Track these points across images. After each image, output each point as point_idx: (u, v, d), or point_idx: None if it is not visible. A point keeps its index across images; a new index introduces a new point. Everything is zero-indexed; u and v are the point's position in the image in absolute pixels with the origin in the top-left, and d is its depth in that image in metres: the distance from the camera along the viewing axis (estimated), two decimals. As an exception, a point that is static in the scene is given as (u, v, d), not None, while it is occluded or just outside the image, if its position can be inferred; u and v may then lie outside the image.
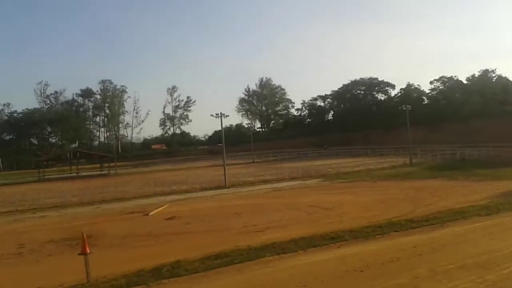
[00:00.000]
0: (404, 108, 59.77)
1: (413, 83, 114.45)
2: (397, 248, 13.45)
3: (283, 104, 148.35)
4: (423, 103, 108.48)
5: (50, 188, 49.45)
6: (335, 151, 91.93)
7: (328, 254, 13.33)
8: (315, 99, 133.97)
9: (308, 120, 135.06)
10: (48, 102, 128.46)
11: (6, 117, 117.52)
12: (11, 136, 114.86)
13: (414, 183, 33.44)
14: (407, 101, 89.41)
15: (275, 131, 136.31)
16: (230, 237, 17.11)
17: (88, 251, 12.20)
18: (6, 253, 17.30)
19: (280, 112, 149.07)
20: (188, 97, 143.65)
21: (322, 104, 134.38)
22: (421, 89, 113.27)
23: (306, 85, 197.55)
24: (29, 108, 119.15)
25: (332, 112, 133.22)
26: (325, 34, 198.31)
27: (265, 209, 24.24)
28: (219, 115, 45.76)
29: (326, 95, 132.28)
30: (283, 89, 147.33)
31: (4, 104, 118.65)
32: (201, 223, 21.48)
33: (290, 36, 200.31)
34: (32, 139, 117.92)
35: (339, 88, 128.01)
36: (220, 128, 47.43)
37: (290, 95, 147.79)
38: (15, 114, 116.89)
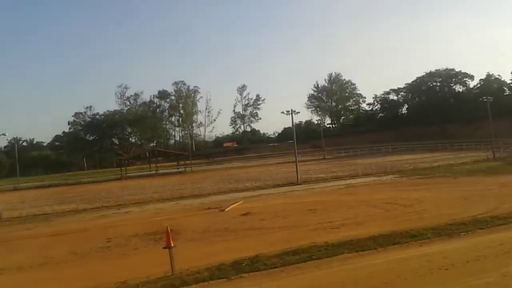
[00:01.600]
0: (485, 100, 56.16)
1: (493, 73, 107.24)
2: (483, 246, 12.82)
3: (354, 99, 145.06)
4: (505, 94, 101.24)
5: (132, 185, 52.32)
6: (411, 146, 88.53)
7: (410, 252, 12.96)
8: (388, 93, 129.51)
9: (380, 114, 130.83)
10: (128, 103, 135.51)
11: (89, 119, 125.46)
12: (94, 137, 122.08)
13: (498, 178, 31.47)
14: (487, 92, 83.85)
15: (346, 127, 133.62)
16: (306, 233, 17.13)
17: (173, 245, 12.75)
18: (95, 247, 18.52)
19: (350, 107, 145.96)
20: (257, 95, 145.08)
21: (395, 97, 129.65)
22: (502, 79, 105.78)
23: (377, 79, 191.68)
24: (110, 110, 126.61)
25: (406, 106, 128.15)
26: (395, 27, 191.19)
27: (339, 206, 23.95)
28: (290, 112, 45.80)
29: (399, 88, 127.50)
30: (353, 84, 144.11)
31: (87, 107, 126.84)
32: (276, 219, 21.67)
33: (356, 30, 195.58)
34: (113, 139, 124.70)
35: (413, 81, 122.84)
36: (290, 125, 47.47)
37: (360, 89, 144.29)
38: (97, 116, 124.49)
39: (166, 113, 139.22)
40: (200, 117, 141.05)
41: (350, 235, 15.71)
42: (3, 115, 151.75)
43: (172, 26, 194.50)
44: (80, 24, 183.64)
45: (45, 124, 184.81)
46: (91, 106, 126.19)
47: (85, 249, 18.19)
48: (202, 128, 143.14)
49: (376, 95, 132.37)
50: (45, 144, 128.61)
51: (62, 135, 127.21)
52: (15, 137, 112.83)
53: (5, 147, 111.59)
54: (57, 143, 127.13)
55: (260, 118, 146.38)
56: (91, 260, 16.49)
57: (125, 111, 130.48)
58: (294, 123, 47.75)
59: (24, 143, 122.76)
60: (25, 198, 42.61)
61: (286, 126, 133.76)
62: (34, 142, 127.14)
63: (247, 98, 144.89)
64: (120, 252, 17.23)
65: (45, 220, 29.68)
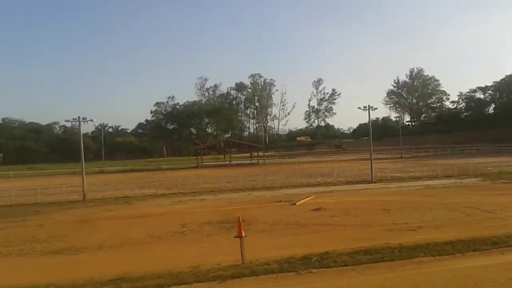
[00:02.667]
0: None
1: None
2: None
3: (437, 96, 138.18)
4: None
5: (207, 174, 53.96)
6: (497, 148, 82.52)
7: (490, 260, 12.14)
8: (474, 91, 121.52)
9: (465, 113, 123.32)
10: (206, 95, 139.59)
11: (170, 109, 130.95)
12: (173, 126, 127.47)
13: None
14: None
15: (427, 125, 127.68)
16: (379, 233, 16.62)
17: (244, 235, 12.97)
18: (171, 231, 19.33)
19: (432, 105, 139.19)
20: (333, 90, 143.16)
21: (481, 96, 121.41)
22: None
23: (462, 76, 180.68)
24: (190, 101, 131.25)
25: (493, 105, 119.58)
26: (484, 22, 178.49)
27: (416, 207, 22.94)
28: (367, 108, 44.50)
29: (486, 86, 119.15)
30: (437, 80, 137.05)
31: (168, 97, 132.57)
32: (347, 216, 21.25)
33: (437, 25, 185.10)
34: (191, 129, 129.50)
35: (502, 79, 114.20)
36: (365, 121, 46.22)
37: (444, 86, 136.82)
38: (178, 106, 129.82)
39: (242, 105, 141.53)
40: (274, 110, 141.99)
41: (426, 238, 15.00)
42: (96, 103, 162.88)
43: (253, 22, 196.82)
44: (166, 18, 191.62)
45: (130, 112, 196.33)
46: (173, 97, 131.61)
47: (161, 232, 19.06)
48: (276, 121, 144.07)
49: (461, 93, 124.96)
50: (129, 131, 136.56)
51: (144, 123, 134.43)
52: (102, 123, 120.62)
53: (92, 132, 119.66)
54: (140, 131, 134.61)
55: (335, 113, 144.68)
56: (166, 243, 17.23)
57: (203, 102, 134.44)
58: (370, 119, 46.41)
59: (110, 129, 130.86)
60: (109, 181, 45.49)
61: (362, 122, 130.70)
62: (119, 128, 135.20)
63: (322, 92, 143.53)
64: (194, 238, 17.83)
65: (126, 202, 31.50)
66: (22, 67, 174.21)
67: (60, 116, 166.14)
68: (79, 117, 37.10)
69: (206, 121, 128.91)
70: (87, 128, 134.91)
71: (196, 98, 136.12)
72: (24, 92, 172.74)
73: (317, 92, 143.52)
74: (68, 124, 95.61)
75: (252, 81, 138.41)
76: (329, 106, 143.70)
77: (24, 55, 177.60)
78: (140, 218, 24.03)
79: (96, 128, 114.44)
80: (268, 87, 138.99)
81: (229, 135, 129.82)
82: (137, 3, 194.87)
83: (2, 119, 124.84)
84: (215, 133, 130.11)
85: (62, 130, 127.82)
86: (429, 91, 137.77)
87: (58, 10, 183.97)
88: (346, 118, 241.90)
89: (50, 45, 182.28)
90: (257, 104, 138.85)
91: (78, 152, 40.24)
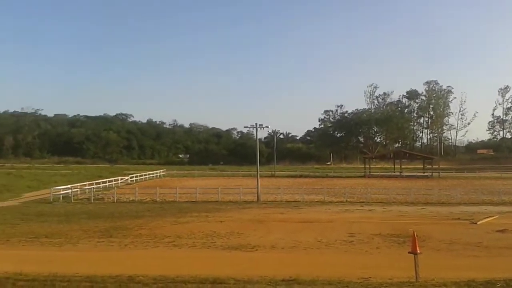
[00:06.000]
0: None
1: None
2: None
3: None
4: None
5: (376, 184, 52.58)
6: None
7: None
8: None
9: None
10: (376, 103, 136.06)
11: (338, 117, 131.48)
12: (341, 134, 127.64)
13: None
14: None
15: None
16: None
17: (419, 251, 12.35)
18: (339, 239, 19.45)
19: None
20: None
21: None
22: None
23: None
24: (359, 109, 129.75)
25: None
26: None
27: None
28: None
29: None
30: None
31: (337, 106, 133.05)
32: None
33: None
34: (359, 137, 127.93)
35: None
36: None
37: None
38: (346, 114, 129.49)
39: (414, 114, 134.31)
40: (451, 120, 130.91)
41: None
42: (267, 113, 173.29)
43: (426, 27, 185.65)
44: (336, 27, 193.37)
45: (299, 120, 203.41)
46: (341, 105, 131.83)
47: (330, 239, 19.34)
48: (453, 132, 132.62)
49: None
50: (297, 138, 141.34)
51: (313, 130, 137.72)
52: (274, 130, 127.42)
53: (265, 138, 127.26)
54: (308, 138, 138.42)
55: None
56: (335, 250, 17.43)
57: (372, 110, 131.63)
58: None
59: (281, 136, 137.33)
60: (279, 184, 47.70)
61: None
62: (289, 135, 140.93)
63: (510, 101, 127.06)
64: (363, 248, 17.64)
65: (296, 207, 32.72)
66: (210, 82, 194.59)
67: (237, 123, 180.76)
68: (256, 123, 39.94)
69: (375, 129, 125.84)
70: (260, 134, 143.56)
71: (365, 106, 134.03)
72: (208, 101, 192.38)
73: (503, 101, 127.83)
74: (245, 130, 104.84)
75: (427, 88, 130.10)
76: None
77: (217, 72, 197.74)
78: (308, 223, 24.75)
79: (268, 134, 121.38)
80: (444, 95, 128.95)
81: (399, 145, 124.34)
82: (308, 13, 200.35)
83: (190, 124, 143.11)
84: (384, 142, 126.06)
85: (239, 135, 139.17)
86: None
87: (237, 23, 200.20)
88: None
89: (239, 63, 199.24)
90: (431, 112, 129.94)
91: (253, 155, 43.27)
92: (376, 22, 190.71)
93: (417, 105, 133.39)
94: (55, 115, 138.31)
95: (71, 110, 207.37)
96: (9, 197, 38.40)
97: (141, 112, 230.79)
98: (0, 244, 18.90)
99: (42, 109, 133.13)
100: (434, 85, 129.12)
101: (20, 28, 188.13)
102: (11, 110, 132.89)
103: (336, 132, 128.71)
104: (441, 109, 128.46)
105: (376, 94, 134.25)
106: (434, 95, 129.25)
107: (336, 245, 18.45)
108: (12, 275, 12.33)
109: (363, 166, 79.42)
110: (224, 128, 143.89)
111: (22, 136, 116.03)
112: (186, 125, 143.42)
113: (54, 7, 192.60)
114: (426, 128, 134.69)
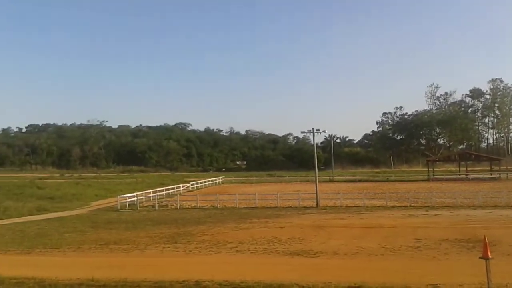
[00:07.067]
0: None
1: None
2: None
3: None
4: None
5: (440, 187, 50.63)
6: None
7: None
8: None
9: None
10: (438, 103, 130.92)
11: (397, 119, 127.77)
12: (401, 136, 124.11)
13: None
14: None
15: None
16: None
17: (490, 257, 11.84)
18: (405, 245, 18.94)
19: None
20: None
21: None
22: None
23: None
24: (419, 110, 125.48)
25: None
26: None
27: None
28: None
29: None
30: None
31: (396, 107, 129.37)
32: None
33: None
34: (420, 139, 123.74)
35: None
36: None
37: None
38: (406, 116, 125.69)
39: (478, 114, 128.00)
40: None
41: None
42: (323, 118, 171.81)
43: (484, 23, 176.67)
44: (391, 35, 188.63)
45: (356, 124, 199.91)
46: (401, 107, 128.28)
47: (395, 245, 18.89)
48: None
49: None
50: (355, 142, 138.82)
51: (371, 133, 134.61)
52: (331, 134, 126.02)
53: (321, 143, 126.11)
54: (366, 141, 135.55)
55: None
56: (400, 257, 17.01)
57: (434, 111, 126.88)
58: None
59: (338, 140, 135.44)
60: (338, 189, 47.08)
61: None
62: (346, 139, 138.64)
63: None
64: (430, 254, 17.11)
65: (357, 212, 32.17)
66: (267, 87, 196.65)
67: (293, 128, 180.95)
68: (313, 128, 39.78)
69: (438, 131, 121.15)
70: (317, 139, 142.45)
71: (426, 107, 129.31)
72: (263, 107, 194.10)
73: None
74: (301, 135, 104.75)
75: (491, 87, 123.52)
76: None
77: (272, 78, 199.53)
78: (371, 229, 24.30)
79: (325, 138, 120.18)
80: (510, 93, 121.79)
81: (464, 146, 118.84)
82: (369, 15, 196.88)
83: (246, 131, 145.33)
84: (447, 144, 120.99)
85: (295, 140, 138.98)
86: None
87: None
88: None
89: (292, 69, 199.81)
90: (497, 112, 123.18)
91: (309, 161, 43.09)
92: (436, 21, 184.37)
93: (481, 105, 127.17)
94: (119, 126, 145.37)
95: (133, 120, 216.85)
96: (79, 206, 40.54)
97: (199, 121, 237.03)
98: (72, 251, 19.98)
99: (106, 121, 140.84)
100: (499, 83, 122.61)
101: (87, 46, 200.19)
102: (77, 123, 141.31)
103: (396, 135, 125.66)
104: (507, 108, 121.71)
105: (438, 94, 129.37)
106: (499, 93, 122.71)
107: (401, 251, 18.00)
108: (84, 281, 13.10)
109: (426, 169, 76.78)
110: (280, 134, 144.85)
111: (88, 147, 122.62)
112: (242, 132, 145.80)
113: (125, 26, 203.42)
114: (491, 128, 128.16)
